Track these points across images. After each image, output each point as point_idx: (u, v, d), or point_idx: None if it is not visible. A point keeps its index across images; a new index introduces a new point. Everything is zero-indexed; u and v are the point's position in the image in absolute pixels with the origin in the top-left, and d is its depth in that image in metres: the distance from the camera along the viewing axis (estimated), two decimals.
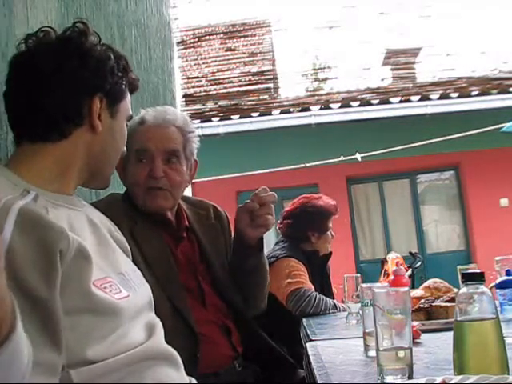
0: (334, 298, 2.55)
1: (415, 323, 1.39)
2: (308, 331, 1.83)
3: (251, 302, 1.67)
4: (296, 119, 6.94)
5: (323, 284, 2.67)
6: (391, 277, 2.41)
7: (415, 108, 6.79)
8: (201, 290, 1.58)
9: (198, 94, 7.18)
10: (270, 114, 6.95)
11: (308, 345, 1.50)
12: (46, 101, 1.02)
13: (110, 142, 1.12)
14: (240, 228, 1.55)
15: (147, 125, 1.60)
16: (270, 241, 3.08)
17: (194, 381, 1.12)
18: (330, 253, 2.72)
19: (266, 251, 2.70)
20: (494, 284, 1.76)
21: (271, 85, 7.40)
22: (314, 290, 2.42)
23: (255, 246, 1.58)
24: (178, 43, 6.93)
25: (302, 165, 6.38)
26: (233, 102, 7.07)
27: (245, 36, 7.45)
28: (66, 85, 1.03)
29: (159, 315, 1.13)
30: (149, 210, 1.57)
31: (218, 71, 7.29)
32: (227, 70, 7.30)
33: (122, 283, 1.01)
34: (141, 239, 1.51)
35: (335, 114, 6.91)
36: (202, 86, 7.23)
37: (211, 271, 1.62)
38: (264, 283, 1.70)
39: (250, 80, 7.24)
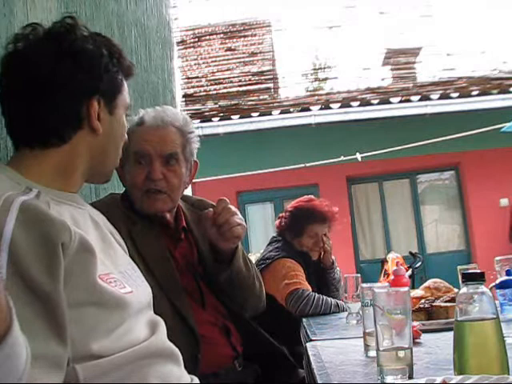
0: (330, 295, 2.53)
1: (415, 323, 1.39)
2: (308, 331, 1.83)
3: (243, 304, 1.66)
4: (296, 119, 6.94)
5: (320, 282, 2.65)
6: (391, 277, 2.41)
7: (415, 108, 6.79)
8: (200, 291, 1.57)
9: (197, 94, 7.18)
10: (270, 114, 6.95)
11: (308, 345, 1.50)
12: (42, 108, 1.00)
13: (111, 139, 1.10)
14: (212, 242, 1.55)
15: (146, 126, 1.58)
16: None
17: (196, 380, 1.12)
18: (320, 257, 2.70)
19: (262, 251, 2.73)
20: (494, 284, 1.76)
21: (271, 85, 7.40)
22: (311, 289, 2.41)
23: (227, 259, 1.56)
24: (178, 43, 6.93)
25: (302, 165, 6.38)
26: (233, 102, 7.07)
27: (245, 36, 7.46)
28: (61, 90, 1.01)
29: (159, 316, 1.13)
30: (147, 213, 1.57)
31: (217, 71, 7.29)
32: (227, 70, 7.30)
33: (124, 279, 1.01)
34: (139, 240, 1.50)
35: (335, 114, 6.90)
36: (202, 85, 7.23)
37: (209, 272, 1.62)
38: (248, 289, 1.65)
39: (250, 80, 7.24)
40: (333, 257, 2.69)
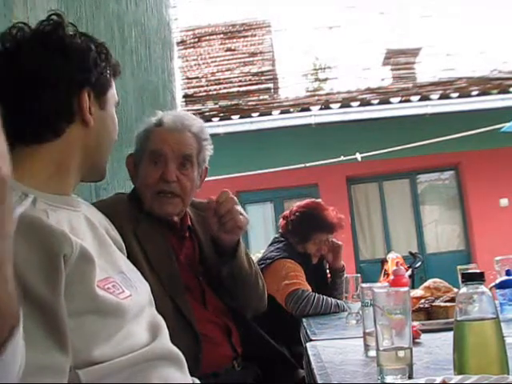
0: (332, 295, 2.53)
1: (415, 323, 1.39)
2: (308, 331, 1.83)
3: (245, 303, 1.66)
4: (296, 119, 6.95)
5: (319, 283, 2.64)
6: (391, 277, 2.41)
7: (415, 108, 6.80)
8: (201, 290, 1.57)
9: (198, 95, 7.19)
10: (270, 114, 6.95)
11: (308, 345, 1.50)
12: (35, 102, 1.01)
13: (103, 134, 1.11)
14: (214, 235, 1.55)
15: (165, 127, 1.60)
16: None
17: (197, 381, 1.12)
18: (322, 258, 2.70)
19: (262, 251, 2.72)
20: (493, 284, 1.76)
21: (271, 85, 7.42)
22: (311, 290, 2.41)
23: (229, 252, 1.56)
24: (178, 43, 6.94)
25: (302, 165, 6.38)
26: (233, 102, 7.08)
27: (245, 36, 7.47)
28: (52, 84, 1.01)
29: (161, 315, 1.13)
30: (156, 214, 1.57)
31: (218, 71, 7.31)
32: (227, 70, 7.31)
33: (123, 282, 1.01)
34: (144, 239, 1.51)
35: (335, 114, 6.91)
36: (202, 86, 7.24)
37: (210, 272, 1.63)
38: (251, 287, 1.65)
39: (250, 80, 7.25)
40: (342, 262, 2.70)
